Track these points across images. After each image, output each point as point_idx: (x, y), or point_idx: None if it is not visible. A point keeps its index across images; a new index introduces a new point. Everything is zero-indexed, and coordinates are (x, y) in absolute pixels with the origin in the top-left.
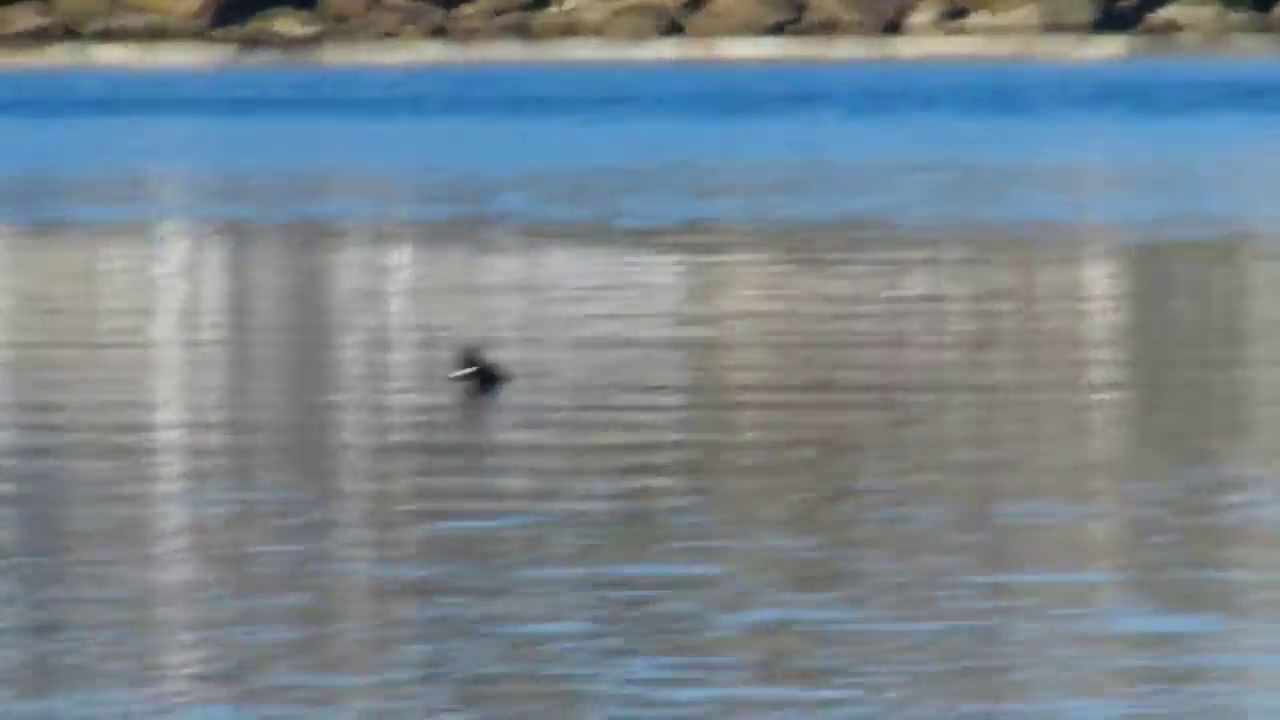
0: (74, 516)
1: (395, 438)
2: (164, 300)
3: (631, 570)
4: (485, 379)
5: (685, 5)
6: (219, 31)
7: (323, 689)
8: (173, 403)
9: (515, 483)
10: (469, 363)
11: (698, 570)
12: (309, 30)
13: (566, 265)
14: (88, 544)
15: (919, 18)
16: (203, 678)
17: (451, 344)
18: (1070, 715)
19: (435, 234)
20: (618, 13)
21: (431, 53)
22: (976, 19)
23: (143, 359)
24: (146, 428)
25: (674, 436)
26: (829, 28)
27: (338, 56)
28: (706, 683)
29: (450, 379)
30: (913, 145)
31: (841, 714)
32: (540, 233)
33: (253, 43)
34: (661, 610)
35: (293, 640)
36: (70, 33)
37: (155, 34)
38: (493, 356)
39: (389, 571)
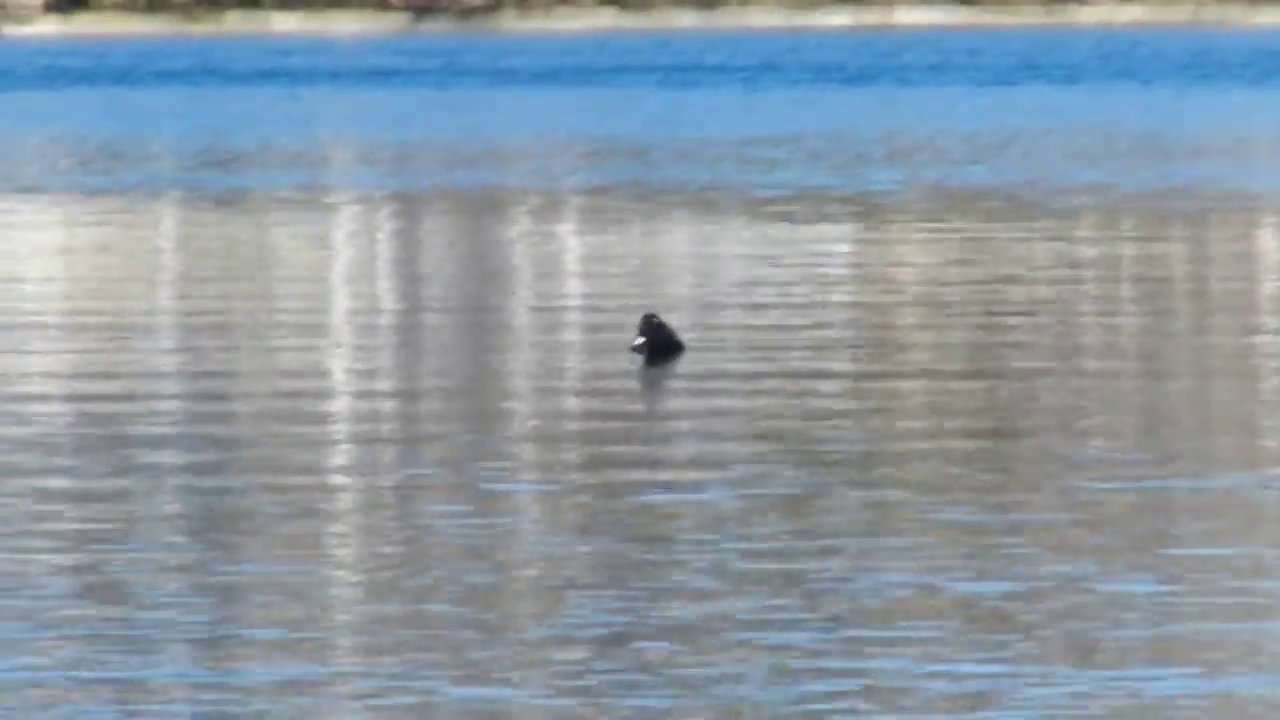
0: (249, 485)
1: (573, 407)
2: (337, 270)
3: (798, 544)
4: (665, 348)
5: None
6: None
7: (485, 666)
8: (347, 372)
9: (693, 453)
10: (648, 331)
11: (866, 543)
12: None
13: (739, 233)
14: (261, 515)
15: None
16: (368, 650)
17: (631, 313)
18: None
19: (609, 202)
20: None
21: (608, 19)
22: None
23: (316, 328)
24: (322, 395)
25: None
26: None
27: (514, 24)
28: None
29: (631, 348)
30: (1081, 113)
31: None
32: (710, 201)
33: (429, 10)
34: (835, 582)
35: (465, 615)
36: (247, 0)
37: (332, 2)
38: (671, 326)
39: (565, 546)
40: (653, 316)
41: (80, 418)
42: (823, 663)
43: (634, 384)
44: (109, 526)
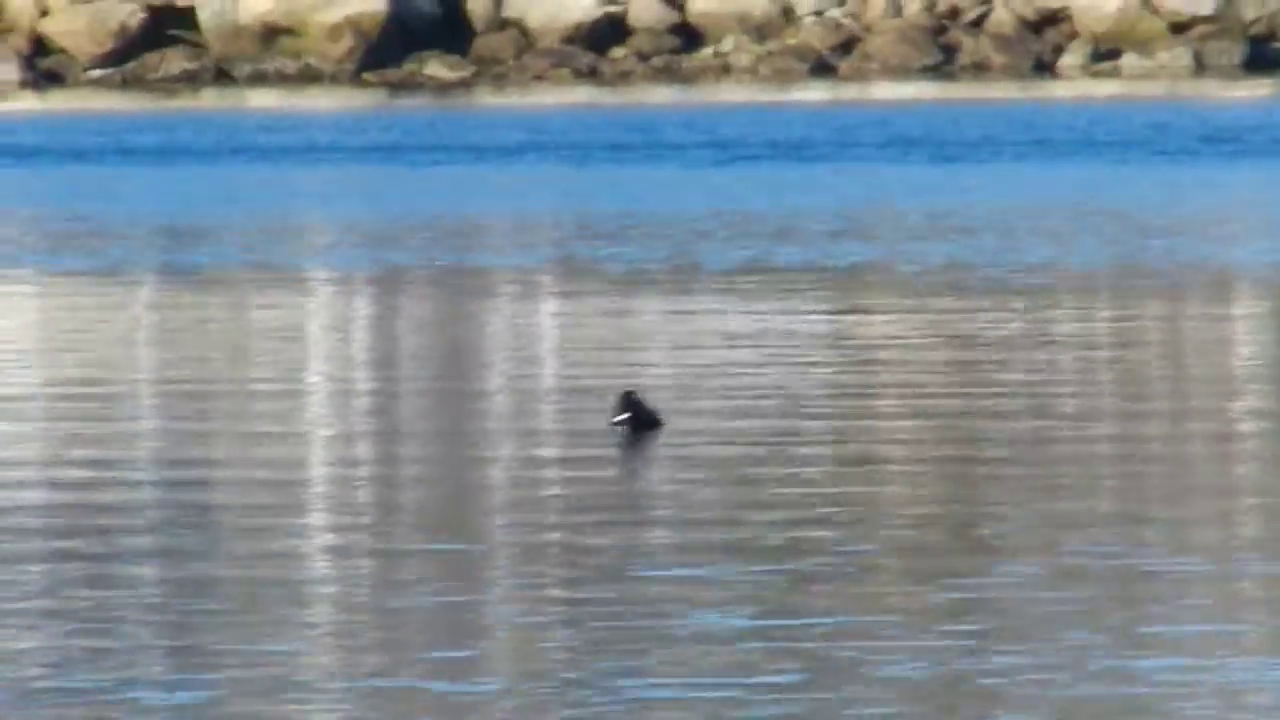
0: (223, 568)
1: (549, 489)
2: (312, 349)
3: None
4: (642, 424)
5: (836, 48)
6: (370, 75)
7: None
8: (321, 453)
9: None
10: (627, 409)
11: (865, 619)
12: (459, 74)
13: (715, 312)
14: (233, 595)
15: (1069, 59)
16: None
17: (608, 391)
18: None
19: (586, 280)
20: (769, 54)
21: (582, 96)
22: (1127, 60)
23: (291, 408)
24: (295, 482)
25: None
26: (980, 69)
27: (488, 100)
28: None
29: (610, 424)
30: (1067, 190)
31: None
32: (689, 278)
33: (403, 87)
34: (824, 656)
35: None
36: (222, 76)
37: (307, 78)
38: (649, 403)
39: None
40: (632, 393)
41: (53, 495)
42: None
43: (614, 462)
44: (84, 598)
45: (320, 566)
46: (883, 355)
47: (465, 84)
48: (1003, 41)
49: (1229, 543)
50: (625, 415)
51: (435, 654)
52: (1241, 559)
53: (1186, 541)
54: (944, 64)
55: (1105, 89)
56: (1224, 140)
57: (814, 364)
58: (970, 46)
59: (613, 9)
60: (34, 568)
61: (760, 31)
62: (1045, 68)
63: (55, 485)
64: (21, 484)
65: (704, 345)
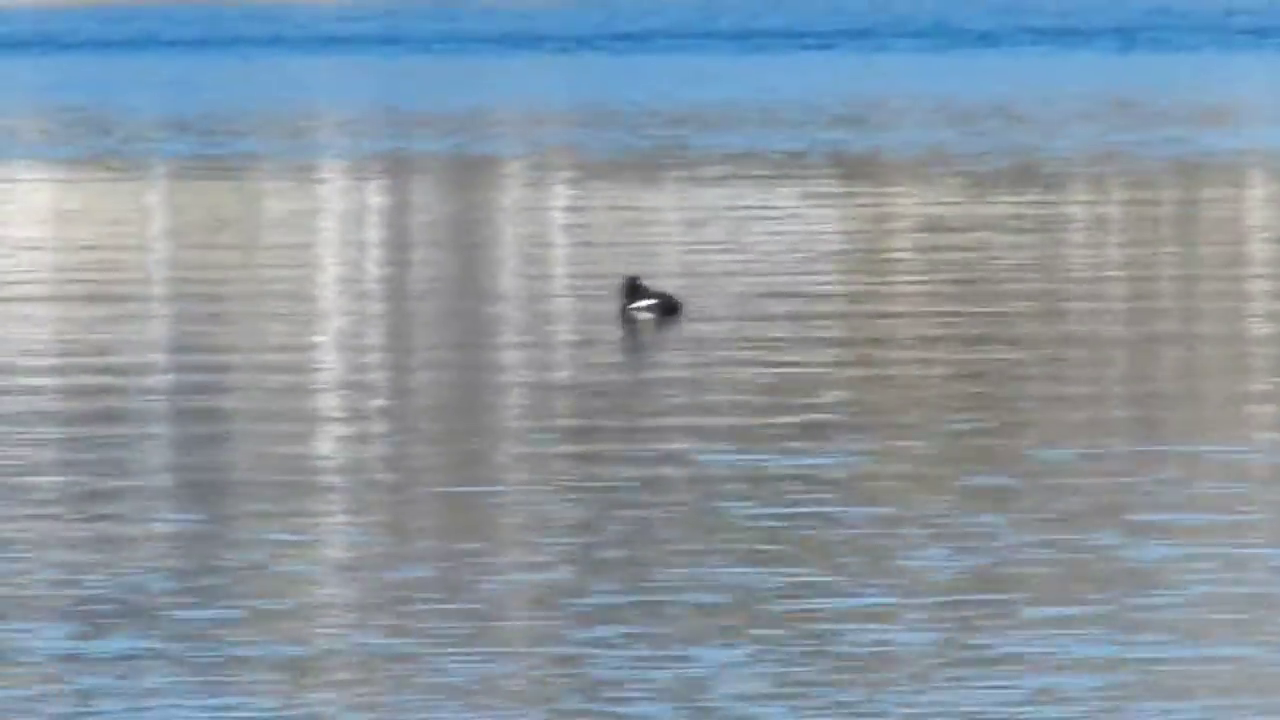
0: (235, 457)
1: (562, 375)
2: (323, 236)
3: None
4: (666, 309)
5: None
6: None
7: (466, 634)
8: (334, 344)
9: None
10: (638, 294)
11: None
12: None
13: (721, 195)
14: (246, 486)
15: None
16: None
17: (614, 278)
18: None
19: (596, 167)
20: None
21: None
22: None
23: (304, 294)
24: (307, 368)
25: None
26: None
27: None
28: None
29: (631, 310)
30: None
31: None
32: (698, 163)
33: None
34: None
35: (445, 578)
36: None
37: None
38: (658, 288)
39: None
40: (635, 279)
41: (66, 388)
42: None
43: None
44: (98, 490)
45: (334, 461)
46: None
47: None
48: None
49: (1243, 428)
50: (652, 301)
51: (445, 547)
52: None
53: (1201, 423)
54: None
55: None
56: (1232, 30)
57: (820, 247)
58: None
59: None
60: (48, 455)
61: None
62: None
63: (69, 371)
64: (34, 370)
65: (709, 228)
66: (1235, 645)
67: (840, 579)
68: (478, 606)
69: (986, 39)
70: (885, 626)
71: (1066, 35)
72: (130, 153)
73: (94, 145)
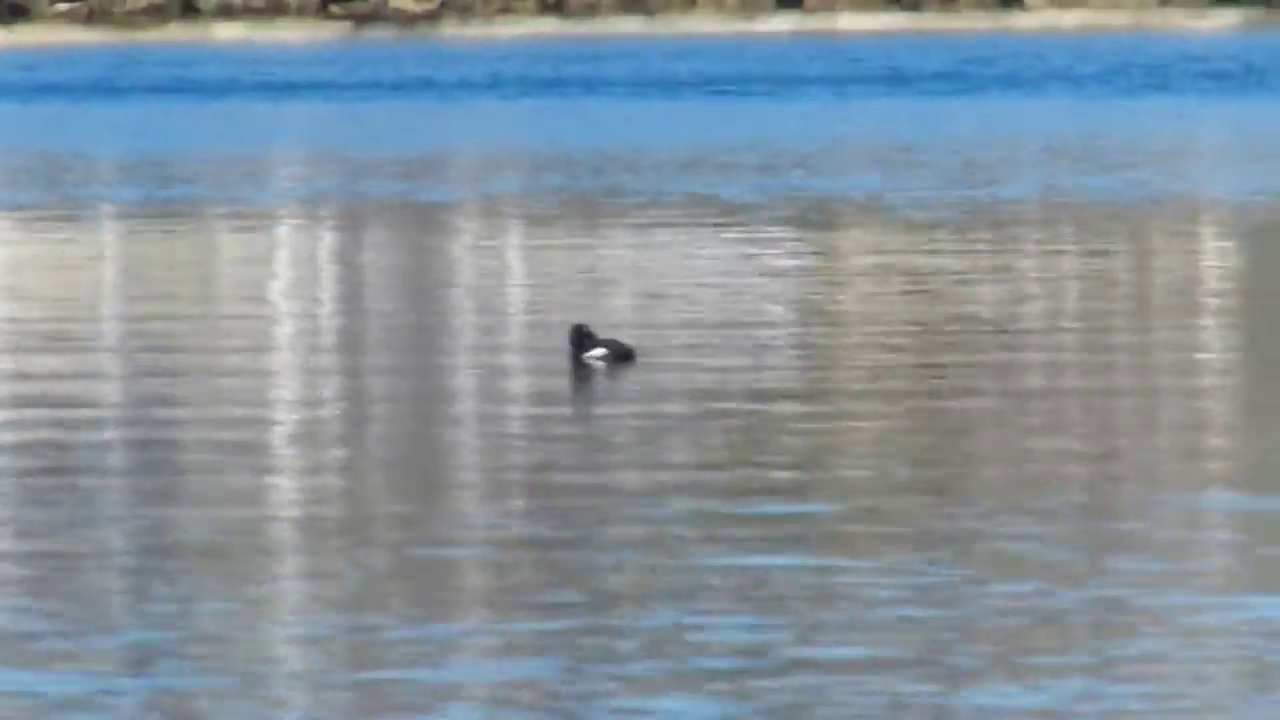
0: (187, 508)
1: (516, 424)
2: (277, 283)
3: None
4: (618, 356)
5: None
6: (336, 8)
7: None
8: (287, 392)
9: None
10: (586, 341)
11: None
12: (425, 7)
13: (678, 244)
14: (198, 534)
15: None
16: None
17: (564, 325)
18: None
19: (551, 213)
20: None
21: (549, 27)
22: None
23: (257, 341)
24: (260, 421)
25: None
26: (946, 1)
27: (456, 31)
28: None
29: (585, 358)
30: (1030, 123)
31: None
32: (652, 211)
33: (369, 19)
34: (788, 593)
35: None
36: (189, 9)
37: (273, 10)
38: (607, 335)
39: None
40: (583, 326)
41: (20, 428)
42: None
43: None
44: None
45: (287, 521)
46: (843, 287)
47: (431, 16)
48: None
49: (1196, 480)
50: (603, 351)
51: (406, 600)
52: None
53: (1155, 473)
54: None
55: (1071, 19)
56: (1188, 73)
57: (775, 295)
58: None
59: None
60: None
61: None
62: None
63: (20, 425)
64: None
65: (666, 277)
66: (1217, 689)
67: (800, 630)
68: (442, 674)
69: (944, 81)
70: (852, 678)
71: (1026, 83)
72: (81, 198)
73: (44, 192)
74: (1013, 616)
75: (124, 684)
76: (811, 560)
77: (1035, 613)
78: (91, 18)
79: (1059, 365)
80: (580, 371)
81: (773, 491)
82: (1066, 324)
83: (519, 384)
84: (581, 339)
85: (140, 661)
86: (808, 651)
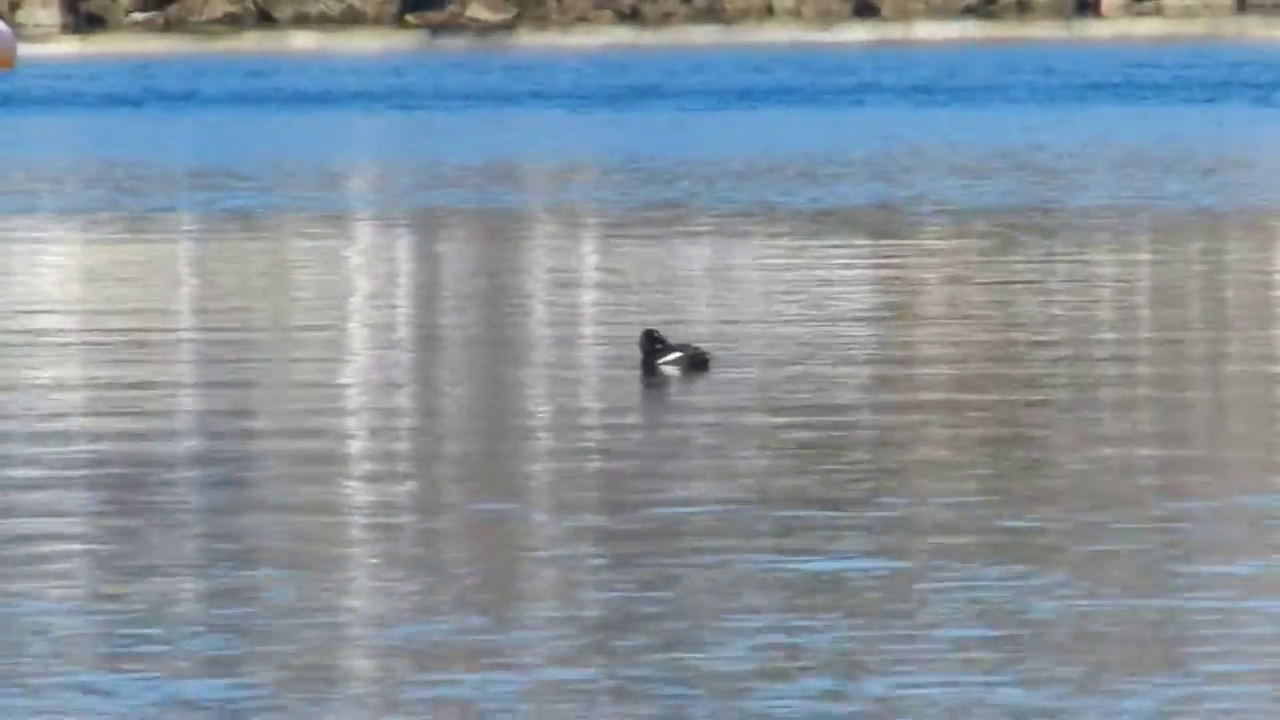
0: (264, 506)
1: (588, 434)
2: (354, 290)
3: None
4: (693, 363)
5: None
6: (412, 17)
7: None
8: (361, 396)
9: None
10: (657, 346)
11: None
12: (501, 16)
13: (757, 251)
14: (272, 533)
15: None
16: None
17: (639, 331)
18: None
19: (625, 221)
20: None
21: (624, 37)
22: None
23: (333, 349)
24: (334, 429)
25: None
26: (1023, 8)
27: (530, 40)
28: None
29: (659, 364)
30: (1100, 133)
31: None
32: (727, 219)
33: (445, 29)
34: (849, 600)
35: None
36: (264, 18)
37: (349, 20)
38: (680, 341)
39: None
40: (654, 332)
41: (99, 439)
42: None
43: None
44: (123, 548)
45: (360, 521)
46: (919, 295)
47: (507, 25)
48: None
49: (1273, 486)
50: (679, 355)
51: (471, 606)
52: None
53: (1225, 478)
54: (986, 3)
55: (1146, 28)
56: (1263, 82)
57: (852, 305)
58: None
59: None
60: (76, 519)
61: None
62: (1088, 7)
63: (96, 436)
64: (65, 435)
65: (740, 284)
66: None
67: (874, 635)
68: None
69: (998, 93)
70: (915, 680)
71: (1084, 89)
72: (157, 206)
73: (120, 199)
74: (1092, 624)
75: (199, 689)
76: (887, 565)
77: (1116, 621)
78: (168, 27)
79: (1134, 374)
80: (651, 378)
81: (845, 499)
82: (1143, 331)
83: (590, 391)
84: (653, 345)
85: (215, 666)
86: (884, 659)
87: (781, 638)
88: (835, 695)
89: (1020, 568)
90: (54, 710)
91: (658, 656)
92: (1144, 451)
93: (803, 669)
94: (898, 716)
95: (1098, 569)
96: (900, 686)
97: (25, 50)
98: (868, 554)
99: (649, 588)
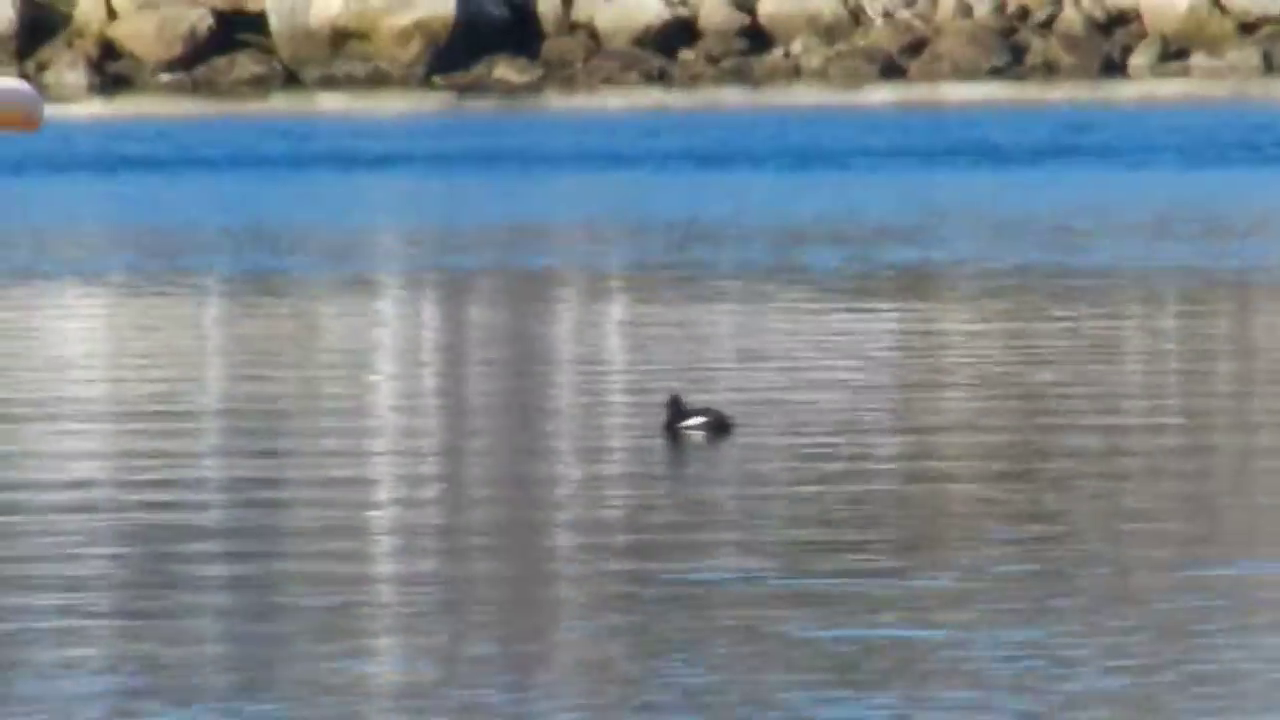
0: (291, 568)
1: (612, 499)
2: (379, 355)
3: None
4: (717, 427)
5: (906, 49)
6: (439, 79)
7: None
8: (388, 459)
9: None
10: (681, 412)
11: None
12: (528, 77)
13: (776, 315)
14: (303, 595)
15: (1138, 59)
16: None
17: (662, 395)
18: None
19: (650, 283)
20: (839, 56)
21: (652, 99)
22: (1196, 60)
23: (358, 411)
24: (362, 483)
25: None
26: (1049, 70)
27: (557, 103)
28: None
29: (681, 428)
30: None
31: None
32: (751, 281)
33: (472, 90)
34: (873, 666)
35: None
36: (291, 79)
37: (376, 81)
38: (703, 405)
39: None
40: (678, 397)
41: (126, 505)
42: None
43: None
44: (150, 609)
45: (388, 592)
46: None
47: (534, 87)
48: (1072, 42)
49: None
50: (703, 419)
51: (501, 684)
52: None
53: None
54: (1013, 64)
55: (1173, 89)
56: None
57: (879, 367)
58: (1039, 47)
59: (682, 11)
60: (102, 594)
61: (830, 33)
62: (1114, 68)
63: (123, 506)
64: (91, 506)
65: (764, 347)
66: None
67: (917, 701)
68: None
69: (1042, 152)
70: None
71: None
72: (182, 269)
73: (144, 262)
74: (1132, 688)
75: None
76: (920, 633)
77: (1157, 685)
78: (195, 88)
79: (1162, 445)
80: (675, 442)
81: (876, 566)
82: (1168, 394)
83: (615, 457)
84: (676, 407)
85: None
86: None
87: (821, 711)
88: None
89: (1058, 635)
90: None
91: None
92: (1172, 526)
93: None
94: None
95: (1122, 645)
96: None
97: (52, 111)
98: (904, 624)
99: (668, 653)
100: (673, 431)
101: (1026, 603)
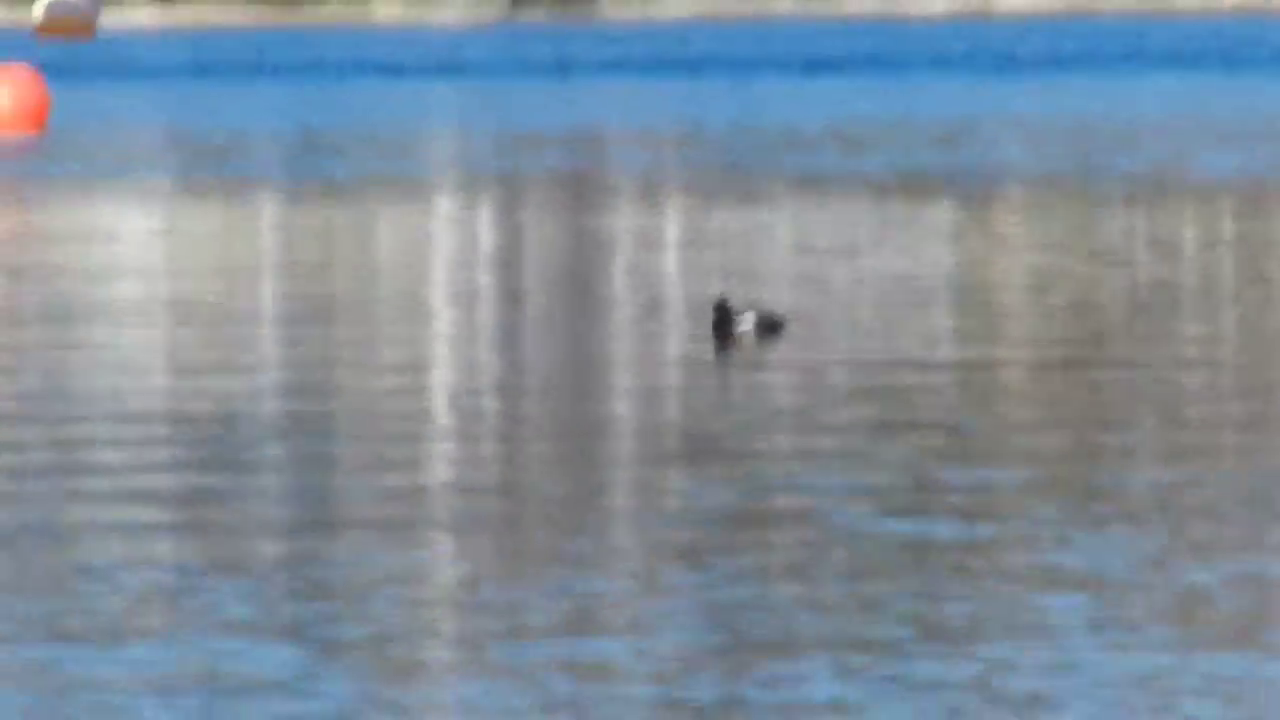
0: (344, 478)
1: (663, 401)
2: (434, 257)
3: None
4: (767, 327)
5: None
6: None
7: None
8: (442, 364)
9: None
10: (729, 312)
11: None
12: None
13: (836, 217)
14: (354, 506)
15: None
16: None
17: (710, 299)
18: None
19: (705, 188)
20: None
21: (706, 6)
22: None
23: (414, 315)
24: (416, 388)
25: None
26: None
27: (613, 10)
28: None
29: (730, 328)
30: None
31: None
32: (807, 185)
33: None
34: (926, 575)
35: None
36: None
37: None
38: (753, 302)
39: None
40: (724, 299)
41: (182, 404)
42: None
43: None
44: (207, 514)
45: (440, 504)
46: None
47: None
48: None
49: None
50: (753, 318)
51: (561, 570)
52: None
53: None
54: None
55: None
56: None
57: (932, 266)
58: None
59: None
60: (157, 483)
61: None
62: None
63: (178, 420)
64: (148, 417)
65: (820, 249)
66: None
67: (986, 610)
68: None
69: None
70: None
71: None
72: (240, 174)
73: (202, 169)
74: (1200, 588)
75: (284, 654)
76: (984, 529)
77: (1216, 584)
78: None
79: (1222, 336)
80: (723, 344)
81: (928, 461)
82: (1228, 294)
83: (669, 359)
84: (724, 309)
85: (295, 630)
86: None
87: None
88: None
89: (1123, 530)
90: (128, 661)
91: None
92: (1236, 412)
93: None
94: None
95: (1192, 534)
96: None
97: (108, 19)
98: (960, 518)
99: (735, 552)
100: (722, 333)
101: (1097, 494)
